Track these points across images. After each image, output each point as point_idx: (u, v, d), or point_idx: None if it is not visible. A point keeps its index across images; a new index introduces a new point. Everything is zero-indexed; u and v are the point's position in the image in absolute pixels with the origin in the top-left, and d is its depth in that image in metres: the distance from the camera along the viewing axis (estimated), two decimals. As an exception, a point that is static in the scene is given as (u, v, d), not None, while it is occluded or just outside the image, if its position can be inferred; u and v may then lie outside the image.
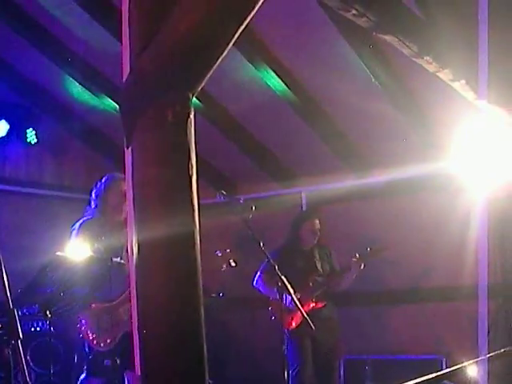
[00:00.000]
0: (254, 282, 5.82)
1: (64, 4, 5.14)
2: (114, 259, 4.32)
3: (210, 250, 4.36)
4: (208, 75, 2.54)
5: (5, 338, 2.46)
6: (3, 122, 5.95)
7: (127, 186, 2.53)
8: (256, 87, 6.00)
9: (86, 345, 4.50)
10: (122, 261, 4.32)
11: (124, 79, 2.58)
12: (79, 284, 4.18)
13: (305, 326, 4.87)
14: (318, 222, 5.90)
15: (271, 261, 4.69)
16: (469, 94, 4.01)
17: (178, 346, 2.37)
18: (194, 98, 2.55)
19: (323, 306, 5.64)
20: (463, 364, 3.72)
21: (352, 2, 3.32)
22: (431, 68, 3.87)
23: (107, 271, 4.24)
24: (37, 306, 4.19)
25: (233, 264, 5.14)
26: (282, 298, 4.98)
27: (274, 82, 5.89)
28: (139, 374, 2.45)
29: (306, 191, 7.28)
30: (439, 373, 3.00)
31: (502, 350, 3.33)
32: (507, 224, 6.06)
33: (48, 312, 4.07)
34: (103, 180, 4.80)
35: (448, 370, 4.10)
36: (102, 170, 6.61)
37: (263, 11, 2.60)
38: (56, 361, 5.65)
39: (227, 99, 6.35)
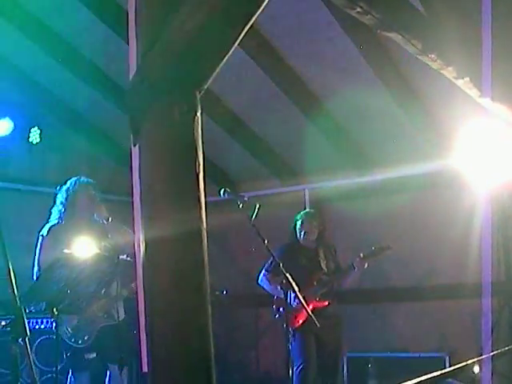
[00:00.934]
0: (259, 280, 5.81)
1: (70, 3, 5.15)
2: (121, 257, 4.35)
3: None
4: (214, 74, 2.55)
5: (12, 335, 2.47)
6: (7, 120, 5.95)
7: (134, 184, 2.55)
8: (259, 85, 6.01)
9: (67, 342, 4.61)
10: (129, 258, 4.34)
11: (130, 78, 2.60)
12: (85, 282, 4.20)
13: (309, 323, 4.87)
14: (311, 221, 5.82)
15: (276, 259, 4.69)
16: (473, 92, 4.01)
17: (185, 342, 2.38)
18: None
19: (328, 305, 5.64)
20: (467, 362, 3.72)
21: (357, -1, 3.33)
22: (435, 65, 3.87)
23: (114, 269, 4.28)
24: (44, 303, 4.20)
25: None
26: (286, 296, 4.97)
27: (277, 79, 5.90)
28: (146, 370, 2.46)
29: (309, 189, 7.29)
30: (443, 371, 3.00)
31: (506, 348, 3.34)
32: (511, 222, 6.06)
33: (55, 309, 4.10)
34: (70, 184, 4.83)
35: (452, 368, 4.11)
36: (105, 169, 6.67)
37: (267, 9, 2.61)
38: (61, 358, 5.65)
39: (229, 96, 6.35)
